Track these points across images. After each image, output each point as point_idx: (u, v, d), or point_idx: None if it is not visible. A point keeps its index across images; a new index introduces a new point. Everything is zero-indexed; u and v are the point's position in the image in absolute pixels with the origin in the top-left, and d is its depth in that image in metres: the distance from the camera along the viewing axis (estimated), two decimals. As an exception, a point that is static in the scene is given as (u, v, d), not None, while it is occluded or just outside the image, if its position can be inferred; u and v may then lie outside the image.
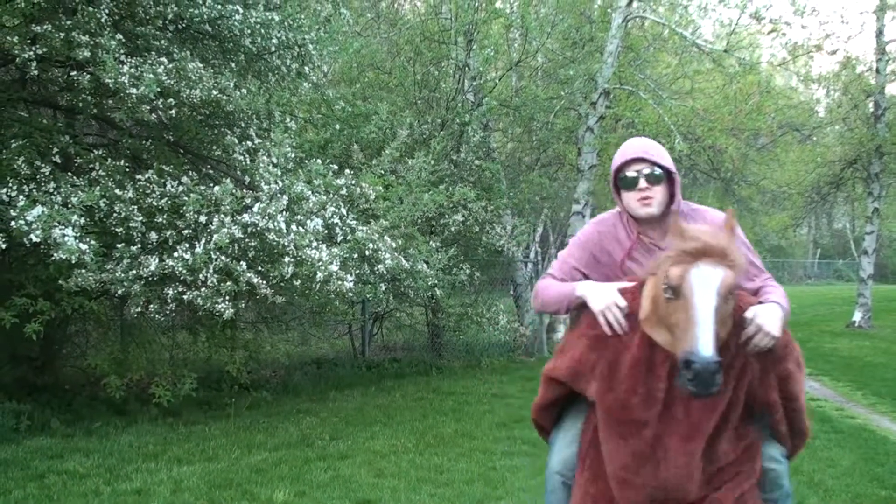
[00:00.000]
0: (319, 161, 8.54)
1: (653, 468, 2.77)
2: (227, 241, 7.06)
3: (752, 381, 2.89)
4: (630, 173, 3.15)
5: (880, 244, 22.91)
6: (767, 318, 2.85)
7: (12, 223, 6.39)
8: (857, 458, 7.84)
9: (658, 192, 3.12)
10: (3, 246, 6.47)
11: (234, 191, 7.53)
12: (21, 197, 6.69)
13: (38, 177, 7.19)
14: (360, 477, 6.99)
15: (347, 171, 8.86)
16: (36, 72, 7.25)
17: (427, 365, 13.44)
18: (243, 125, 8.95)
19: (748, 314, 2.84)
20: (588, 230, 3.42)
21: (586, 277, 3.29)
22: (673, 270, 2.59)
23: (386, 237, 8.59)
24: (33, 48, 7.03)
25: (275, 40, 8.68)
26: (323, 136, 10.79)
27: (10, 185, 6.86)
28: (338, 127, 10.82)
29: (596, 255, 3.32)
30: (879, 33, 20.79)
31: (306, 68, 9.38)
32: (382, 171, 9.66)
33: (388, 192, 9.37)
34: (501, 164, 16.55)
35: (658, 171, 3.12)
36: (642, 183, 3.11)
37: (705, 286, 2.54)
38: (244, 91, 8.26)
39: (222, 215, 7.32)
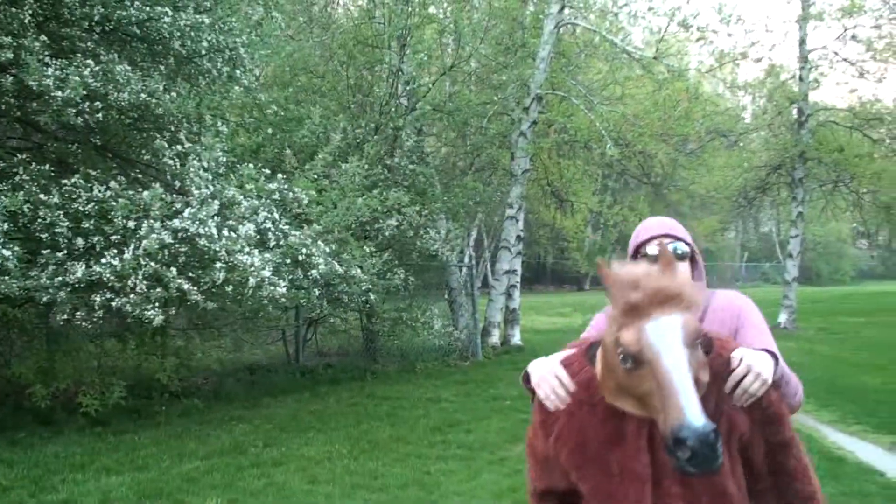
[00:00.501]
0: (251, 165, 8.46)
1: None
2: (157, 246, 6.96)
3: (743, 437, 2.40)
4: (652, 249, 2.97)
5: (804, 247, 23.50)
6: (757, 359, 2.49)
7: (-69, 229, 6.21)
8: (783, 456, 8.03)
9: (681, 269, 2.95)
10: (-78, 252, 6.29)
11: (163, 195, 7.43)
12: (-60, 202, 6.51)
13: (-42, 181, 7.01)
14: (293, 484, 6.94)
15: (280, 175, 8.80)
16: (-44, 73, 7.08)
17: (362, 370, 13.40)
18: (173, 129, 8.82)
19: (735, 354, 2.41)
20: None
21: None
22: (625, 336, 2.10)
23: (319, 242, 8.54)
24: (-47, 49, 6.85)
25: (205, 43, 8.58)
26: (255, 141, 10.70)
27: (-71, 189, 6.67)
28: (270, 131, 10.73)
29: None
30: (802, 42, 21.37)
31: (238, 72, 9.29)
32: (315, 176, 9.61)
33: (321, 197, 9.32)
34: (435, 169, 16.58)
35: (683, 248, 2.99)
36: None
37: (669, 343, 2.07)
38: (174, 94, 8.15)
39: (152, 220, 7.21)
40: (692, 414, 1.97)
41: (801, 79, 21.37)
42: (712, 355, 2.36)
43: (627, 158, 20.42)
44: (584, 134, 16.03)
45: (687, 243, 3.01)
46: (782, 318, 21.55)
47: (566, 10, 16.35)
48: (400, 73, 14.07)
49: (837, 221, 33.48)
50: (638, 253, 3.06)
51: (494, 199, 20.21)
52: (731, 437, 2.34)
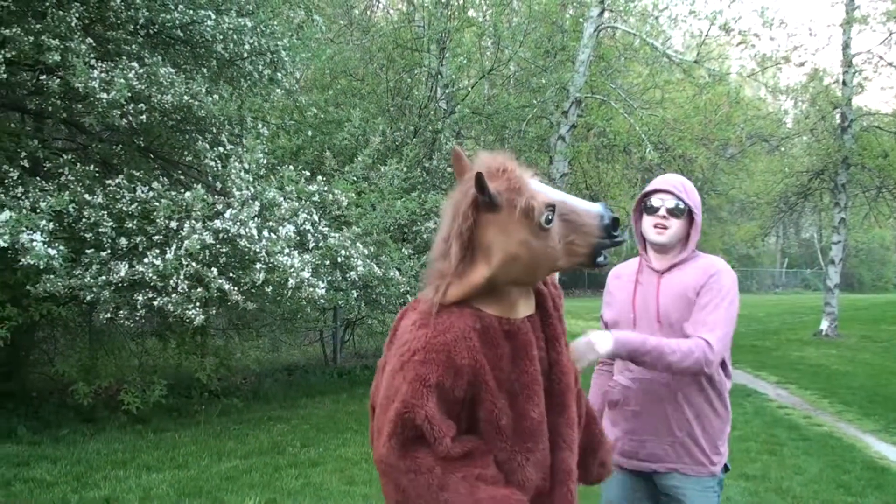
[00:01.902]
0: (292, 167, 8.52)
1: (558, 461, 2.46)
2: (198, 247, 7.02)
3: None
4: (654, 201, 3.29)
5: (847, 254, 23.18)
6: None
7: (-21, 228, 6.32)
8: (825, 466, 7.94)
9: (674, 225, 3.26)
10: (-30, 251, 6.40)
11: (205, 196, 7.49)
12: (-12, 201, 6.62)
13: (6, 181, 7.13)
14: (331, 484, 6.97)
15: (320, 177, 8.85)
16: (4, 75, 7.17)
17: (398, 372, 13.39)
18: (215, 131, 8.91)
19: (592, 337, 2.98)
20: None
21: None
22: (540, 198, 2.27)
23: (358, 244, 8.58)
24: (2, 51, 6.95)
25: (247, 46, 8.66)
26: (295, 143, 10.77)
27: (-23, 189, 6.79)
28: (310, 133, 10.80)
29: (608, 289, 3.59)
30: (846, 46, 21.08)
31: (279, 74, 9.36)
32: (355, 178, 9.66)
33: (360, 199, 9.36)
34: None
35: (682, 205, 3.26)
36: (662, 212, 3.26)
37: (541, 184, 2.40)
38: (216, 97, 8.23)
39: (193, 221, 7.28)
40: (592, 204, 2.39)
41: (844, 83, 21.06)
42: None
43: (667, 163, 20.23)
44: (624, 138, 15.92)
45: (684, 202, 3.26)
46: (824, 325, 21.26)
47: (606, 14, 16.26)
48: (439, 76, 14.09)
49: (881, 228, 32.89)
50: (642, 202, 3.38)
51: (532, 203, 20.16)
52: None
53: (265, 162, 8.46)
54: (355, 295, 9.22)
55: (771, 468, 7.78)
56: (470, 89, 15.25)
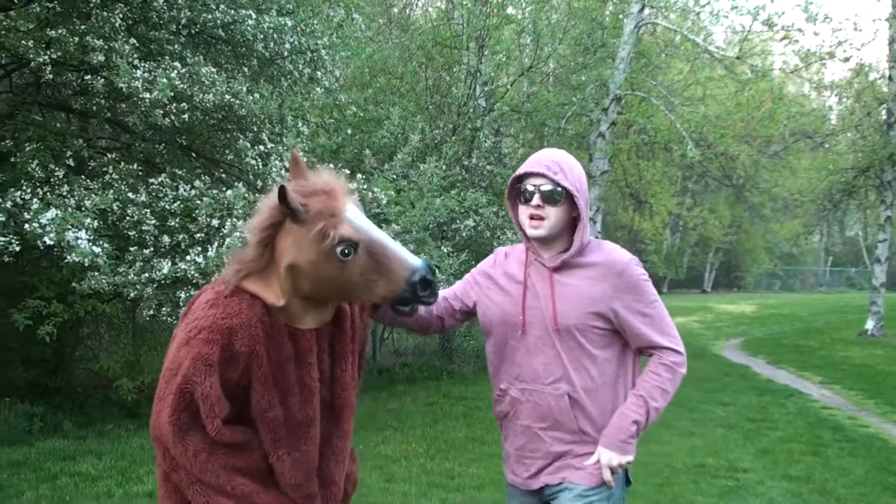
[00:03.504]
0: (331, 166, 8.52)
1: (323, 469, 2.61)
2: (240, 244, 7.07)
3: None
4: (528, 186, 2.88)
5: (893, 252, 22.71)
6: (607, 460, 2.82)
7: (26, 226, 6.43)
8: (870, 467, 7.81)
9: (552, 214, 2.84)
10: (18, 248, 6.52)
11: (246, 195, 7.55)
12: (35, 200, 6.73)
13: (51, 180, 7.24)
14: (371, 481, 6.99)
15: (359, 175, 8.88)
16: (50, 76, 7.29)
17: (438, 370, 13.44)
18: (256, 129, 8.98)
19: (603, 458, 2.81)
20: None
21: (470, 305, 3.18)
22: (344, 230, 2.32)
23: (398, 242, 8.59)
24: (48, 52, 7.06)
25: (287, 45, 8.71)
26: (335, 141, 10.82)
27: (25, 188, 6.90)
28: (350, 132, 10.84)
29: (488, 273, 3.15)
30: (892, 41, 20.69)
31: (319, 73, 9.41)
32: (394, 176, 9.68)
33: (399, 197, 9.38)
34: (513, 170, 16.54)
35: (558, 190, 2.82)
36: (536, 199, 2.84)
37: (364, 220, 2.42)
38: (257, 95, 8.28)
39: (234, 219, 7.34)
40: (412, 257, 2.38)
41: (890, 78, 20.67)
42: None
43: (709, 160, 20.09)
44: (665, 135, 15.81)
45: (561, 185, 2.82)
46: (869, 324, 20.91)
47: (646, 10, 16.15)
48: (478, 73, 14.07)
49: (928, 225, 32.29)
50: (514, 187, 2.98)
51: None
52: (357, 358, 2.72)
53: (305, 160, 8.48)
54: (394, 293, 9.22)
55: (815, 469, 7.68)
56: (509, 87, 15.22)
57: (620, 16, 16.52)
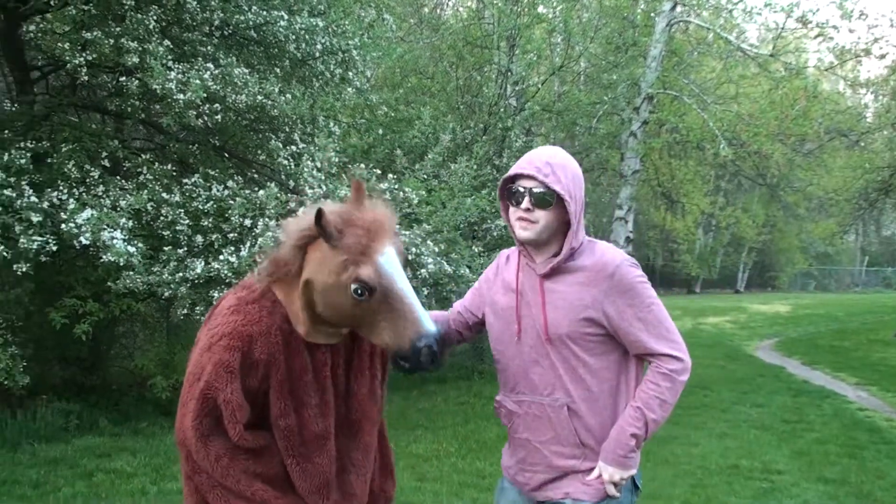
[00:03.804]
0: (363, 165, 8.59)
1: (344, 482, 2.60)
2: (272, 244, 7.11)
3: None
4: (518, 188, 2.78)
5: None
6: (609, 476, 2.76)
7: (63, 226, 6.52)
8: (907, 469, 7.72)
9: (543, 218, 2.74)
10: (54, 248, 6.60)
11: (278, 195, 7.61)
12: (71, 200, 6.82)
13: (87, 180, 7.34)
14: (402, 481, 6.99)
15: (391, 175, 8.90)
16: (86, 77, 7.40)
17: (469, 370, 13.45)
18: (288, 130, 9.04)
19: (604, 474, 2.76)
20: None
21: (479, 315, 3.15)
22: (364, 272, 2.30)
23: (429, 242, 8.61)
24: (83, 54, 7.16)
25: (319, 46, 8.76)
26: (366, 141, 10.86)
27: (61, 188, 7.00)
28: (381, 132, 10.88)
29: (490, 277, 3.11)
30: (930, 37, 20.39)
31: (350, 73, 9.45)
32: (425, 176, 9.69)
33: (430, 197, 9.38)
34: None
35: (549, 193, 2.72)
36: (525, 202, 2.75)
37: (397, 269, 2.36)
38: (289, 96, 8.34)
39: (267, 219, 7.39)
40: (428, 322, 2.32)
41: (927, 76, 20.40)
42: None
43: (742, 159, 19.91)
44: (697, 134, 15.69)
45: (551, 188, 2.71)
46: (906, 325, 20.64)
47: (678, 8, 16.03)
48: (509, 73, 14.05)
49: (967, 224, 31.81)
50: (505, 188, 2.88)
51: (603, 200, 20.01)
52: (377, 376, 2.72)
53: (337, 160, 8.54)
54: (426, 293, 9.24)
55: (851, 472, 7.59)
56: (540, 86, 15.17)
57: (652, 14, 16.41)
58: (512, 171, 2.81)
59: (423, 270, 8.50)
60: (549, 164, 2.75)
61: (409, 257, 8.33)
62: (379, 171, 8.92)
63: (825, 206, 28.07)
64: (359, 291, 2.32)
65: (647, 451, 8.17)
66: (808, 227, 32.21)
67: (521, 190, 2.76)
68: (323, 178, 7.98)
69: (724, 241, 40.47)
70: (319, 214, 2.29)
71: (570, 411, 2.78)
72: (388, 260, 2.35)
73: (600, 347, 2.78)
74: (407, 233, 8.39)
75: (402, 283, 2.36)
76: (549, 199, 2.72)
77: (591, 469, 2.79)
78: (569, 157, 2.85)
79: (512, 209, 2.82)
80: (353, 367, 2.63)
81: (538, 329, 2.80)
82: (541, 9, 14.88)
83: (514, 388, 2.89)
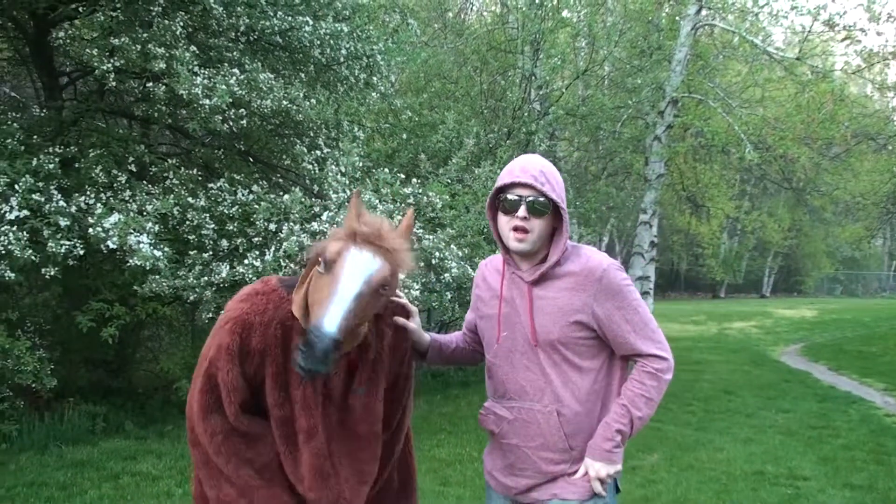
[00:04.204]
0: (387, 170, 8.61)
1: (329, 481, 2.63)
2: (297, 248, 7.16)
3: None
4: (512, 196, 2.77)
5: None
6: (595, 470, 2.80)
7: (90, 230, 6.58)
8: (936, 476, 7.63)
9: (537, 227, 2.76)
10: (81, 252, 6.66)
11: (303, 199, 7.64)
12: (98, 205, 6.88)
13: (114, 185, 7.40)
14: (425, 485, 7.00)
15: (414, 179, 8.92)
16: (113, 83, 7.46)
17: (492, 374, 13.41)
18: (312, 135, 9.08)
19: (591, 471, 2.80)
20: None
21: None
22: (333, 245, 2.41)
23: (452, 246, 8.61)
24: (111, 60, 7.23)
25: (344, 51, 8.79)
26: (390, 146, 10.89)
27: (89, 193, 7.06)
28: (405, 136, 10.91)
29: (479, 294, 3.12)
30: (959, 39, 20.16)
31: (374, 78, 9.48)
32: (449, 180, 9.70)
33: (454, 201, 9.40)
34: (568, 174, 16.49)
35: (545, 202, 2.74)
36: (522, 211, 2.74)
37: (357, 268, 2.38)
38: (313, 101, 8.38)
39: (291, 223, 7.43)
40: (329, 320, 2.27)
41: (957, 78, 20.16)
42: (390, 316, 2.79)
43: (767, 163, 19.75)
44: (722, 138, 15.59)
45: (547, 197, 2.74)
46: (935, 331, 20.40)
47: (704, 11, 15.97)
48: (533, 77, 14.04)
49: None
50: (497, 197, 2.86)
51: (627, 205, 19.93)
52: (379, 391, 2.72)
53: (361, 165, 8.57)
54: (449, 297, 9.25)
55: (878, 478, 7.51)
56: (564, 90, 15.15)
57: (677, 17, 16.35)
58: (506, 179, 2.79)
59: (446, 274, 8.51)
60: (543, 172, 2.77)
61: (433, 262, 8.34)
62: (403, 176, 8.95)
63: (852, 210, 27.80)
64: (322, 262, 2.42)
65: (671, 456, 8.17)
66: (835, 231, 31.96)
67: (517, 198, 2.76)
68: (347, 182, 8.01)
69: (749, 245, 40.20)
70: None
71: (559, 416, 2.81)
72: (357, 258, 2.41)
73: (589, 352, 2.83)
74: (430, 237, 8.41)
75: (349, 280, 2.37)
76: (544, 208, 2.75)
77: (577, 472, 2.84)
78: (551, 165, 2.87)
79: (505, 218, 2.81)
80: (353, 377, 2.66)
81: (526, 335, 2.84)
82: (565, 13, 14.86)
83: (505, 395, 2.91)
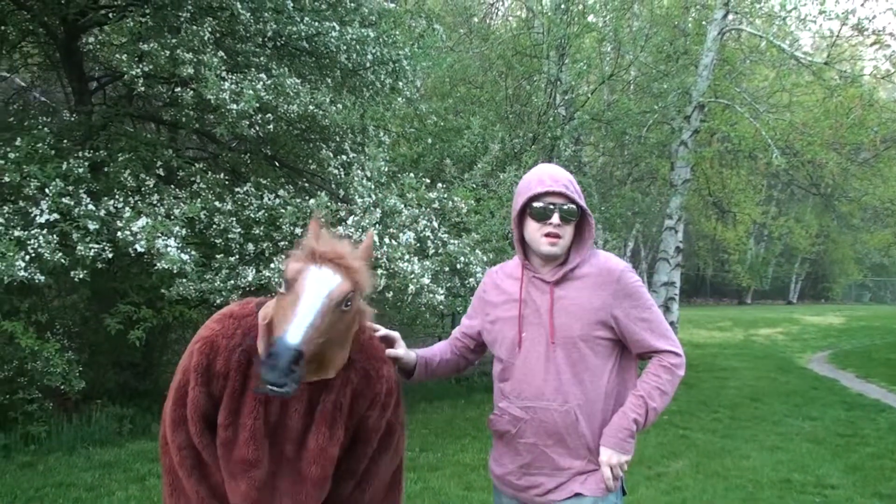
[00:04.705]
0: (412, 175, 8.63)
1: None
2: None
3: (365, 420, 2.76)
4: (545, 204, 2.91)
5: None
6: (613, 459, 2.87)
7: (118, 234, 6.64)
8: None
9: (567, 232, 2.92)
10: (110, 255, 6.72)
11: (328, 203, 7.67)
12: (127, 208, 6.95)
13: (142, 189, 7.47)
14: (449, 489, 7.01)
15: (440, 184, 8.93)
16: (142, 88, 7.52)
17: (516, 379, 13.39)
18: (338, 139, 9.12)
19: (602, 456, 2.86)
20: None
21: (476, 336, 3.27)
22: (293, 265, 2.46)
23: (477, 251, 8.62)
24: (140, 65, 7.29)
25: (370, 56, 8.83)
26: (416, 150, 10.92)
27: (117, 197, 7.14)
28: (430, 141, 10.93)
29: (489, 300, 3.18)
30: None
31: (400, 83, 9.51)
32: (474, 185, 9.70)
33: (479, 206, 9.40)
34: (593, 179, 16.45)
35: (574, 208, 2.91)
36: (555, 218, 2.89)
37: (317, 285, 2.42)
38: (339, 106, 8.41)
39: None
40: (292, 332, 2.29)
41: None
42: (361, 364, 2.73)
43: (795, 168, 19.60)
44: (749, 143, 15.51)
45: (577, 203, 2.92)
46: (966, 338, 20.13)
47: (730, 16, 15.90)
48: (558, 82, 14.01)
49: None
50: (527, 205, 2.96)
51: (653, 210, 19.85)
52: (351, 417, 2.69)
53: (386, 170, 8.60)
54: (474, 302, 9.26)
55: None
56: (590, 95, 15.12)
57: (704, 22, 16.30)
58: (538, 189, 2.92)
59: (471, 279, 8.52)
60: (571, 182, 2.95)
61: (458, 266, 8.35)
62: (428, 181, 8.96)
63: (881, 216, 27.52)
64: (282, 283, 2.48)
65: (697, 462, 8.13)
66: (864, 237, 31.62)
67: (552, 206, 2.90)
68: (372, 187, 8.04)
69: (776, 251, 39.87)
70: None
71: (576, 415, 2.88)
72: (316, 276, 2.45)
73: (604, 351, 2.93)
74: (455, 241, 8.41)
75: (310, 297, 2.41)
76: (574, 215, 2.92)
77: (594, 470, 2.90)
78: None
79: (537, 225, 2.93)
80: (313, 417, 2.65)
81: (545, 335, 2.93)
82: (591, 18, 14.84)
83: (521, 395, 2.96)
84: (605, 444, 2.87)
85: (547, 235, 2.90)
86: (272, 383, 2.25)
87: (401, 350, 3.02)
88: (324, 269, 2.46)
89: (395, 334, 3.05)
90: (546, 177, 2.94)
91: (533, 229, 2.94)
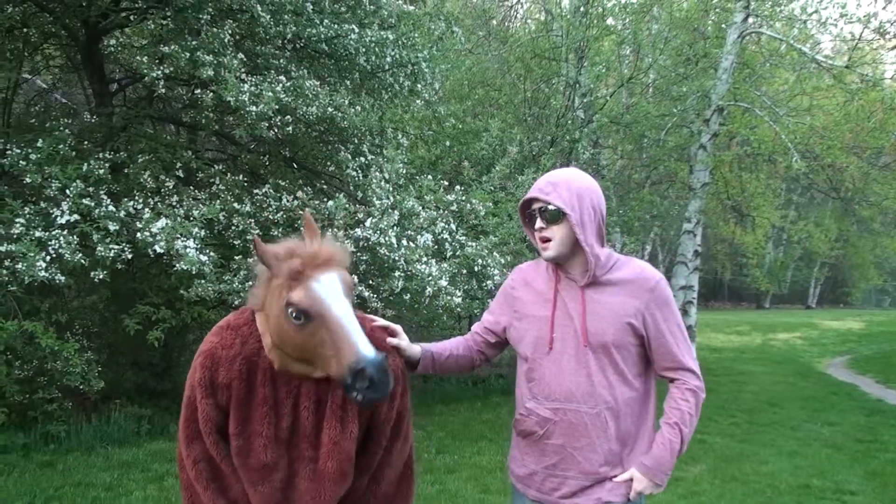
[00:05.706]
0: (430, 177, 8.63)
1: None
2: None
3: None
4: (531, 210, 3.00)
5: None
6: (645, 486, 2.90)
7: (138, 234, 6.67)
8: None
9: (557, 233, 2.92)
10: (129, 256, 6.75)
11: (347, 206, 7.69)
12: (146, 210, 6.98)
13: (162, 190, 7.51)
14: (466, 492, 7.01)
15: (458, 187, 8.93)
16: (162, 90, 7.56)
17: (533, 382, 13.36)
18: (357, 141, 9.14)
19: (637, 485, 2.87)
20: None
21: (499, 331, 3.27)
22: (294, 295, 2.39)
23: (495, 253, 8.61)
24: (160, 67, 7.33)
25: (389, 58, 8.84)
26: (434, 153, 10.92)
27: (137, 198, 7.17)
28: (448, 143, 10.93)
29: (519, 296, 3.17)
30: None
31: (419, 86, 9.51)
32: (492, 188, 9.70)
33: (497, 209, 9.39)
34: (611, 182, 16.41)
35: (552, 209, 2.90)
36: (539, 222, 2.95)
37: (334, 295, 2.42)
38: (358, 108, 8.43)
39: (335, 229, 7.47)
40: (365, 348, 2.34)
41: None
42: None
43: (815, 172, 19.49)
44: (769, 146, 15.42)
45: (554, 204, 2.89)
46: None
47: (751, 19, 15.81)
48: (577, 85, 13.99)
49: None
50: (525, 215, 3.07)
51: (671, 213, 19.77)
52: (349, 428, 2.66)
53: (404, 172, 8.60)
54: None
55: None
56: (608, 98, 15.07)
57: (723, 25, 16.21)
58: (528, 197, 3.01)
59: (488, 282, 8.51)
60: (550, 182, 2.95)
61: (475, 269, 8.34)
62: (446, 183, 8.97)
63: (902, 220, 27.36)
64: (294, 315, 2.41)
65: (715, 467, 8.08)
66: (884, 241, 31.41)
67: (533, 211, 2.98)
68: (391, 189, 8.05)
69: (795, 255, 39.63)
70: (255, 244, 2.47)
71: (606, 419, 2.89)
72: (324, 286, 2.43)
73: (633, 359, 2.94)
74: (473, 244, 8.41)
75: (339, 309, 2.41)
76: (555, 214, 2.91)
77: (619, 476, 2.92)
78: (575, 175, 3.01)
79: (532, 231, 3.02)
80: (324, 413, 2.66)
81: (577, 337, 2.92)
82: (610, 21, 14.80)
83: (549, 396, 2.96)
84: (644, 474, 2.88)
85: (540, 240, 2.97)
86: (383, 397, 2.38)
87: (402, 340, 3.03)
88: (323, 277, 2.45)
89: (396, 326, 3.07)
90: (538, 183, 3.00)
91: (532, 236, 3.03)
